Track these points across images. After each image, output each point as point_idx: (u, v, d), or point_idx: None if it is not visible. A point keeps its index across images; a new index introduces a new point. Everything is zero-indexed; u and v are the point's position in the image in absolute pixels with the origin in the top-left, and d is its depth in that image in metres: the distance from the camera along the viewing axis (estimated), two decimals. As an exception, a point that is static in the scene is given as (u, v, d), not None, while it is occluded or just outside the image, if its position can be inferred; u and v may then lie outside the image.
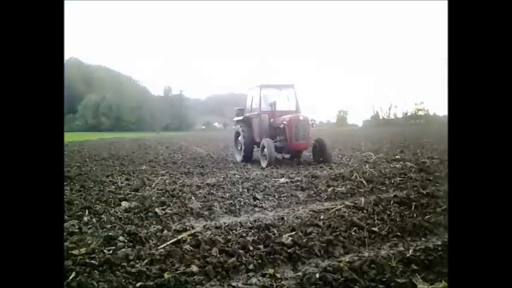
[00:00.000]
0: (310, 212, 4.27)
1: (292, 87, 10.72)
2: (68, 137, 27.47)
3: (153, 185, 6.21)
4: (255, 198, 5.08)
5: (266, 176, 7.20)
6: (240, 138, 10.74)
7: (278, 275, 2.64)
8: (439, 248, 2.95)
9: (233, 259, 2.79)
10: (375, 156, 10.64)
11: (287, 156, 10.30)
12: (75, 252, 2.91)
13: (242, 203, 4.83)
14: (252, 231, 3.52)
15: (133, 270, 2.61)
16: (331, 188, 5.56)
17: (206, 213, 4.35)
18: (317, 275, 2.49)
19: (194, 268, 2.65)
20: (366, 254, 2.99)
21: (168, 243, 3.17)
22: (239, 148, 10.88)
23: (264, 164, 9.05)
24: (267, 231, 3.45)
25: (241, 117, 11.00)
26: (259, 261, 2.82)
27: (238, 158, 10.85)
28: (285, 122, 9.36)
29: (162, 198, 5.08)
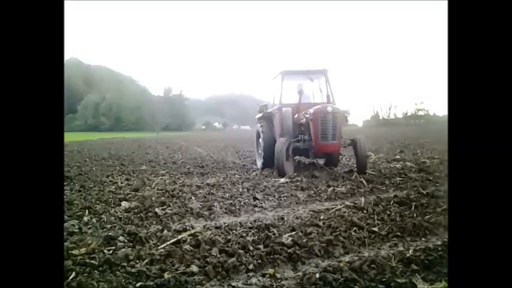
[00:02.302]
0: (310, 212, 4.27)
1: (323, 73, 8.34)
2: (68, 137, 27.48)
3: (153, 185, 6.20)
4: (255, 198, 5.08)
5: (266, 176, 7.19)
6: (260, 139, 8.63)
7: (278, 275, 2.63)
8: (439, 248, 2.95)
9: (233, 259, 2.78)
10: (375, 156, 10.63)
11: (310, 160, 8.55)
12: (75, 252, 2.90)
13: (242, 203, 4.82)
14: (252, 231, 3.52)
15: (133, 270, 2.60)
16: (331, 188, 5.56)
17: (206, 213, 4.35)
18: (317, 275, 2.48)
19: (194, 268, 2.65)
20: (366, 254, 2.99)
21: (168, 243, 3.16)
22: (260, 152, 8.74)
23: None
24: (267, 231, 3.45)
25: (261, 114, 8.86)
26: (259, 261, 2.82)
27: (259, 163, 8.72)
28: (307, 115, 7.14)
29: (162, 198, 5.07)
